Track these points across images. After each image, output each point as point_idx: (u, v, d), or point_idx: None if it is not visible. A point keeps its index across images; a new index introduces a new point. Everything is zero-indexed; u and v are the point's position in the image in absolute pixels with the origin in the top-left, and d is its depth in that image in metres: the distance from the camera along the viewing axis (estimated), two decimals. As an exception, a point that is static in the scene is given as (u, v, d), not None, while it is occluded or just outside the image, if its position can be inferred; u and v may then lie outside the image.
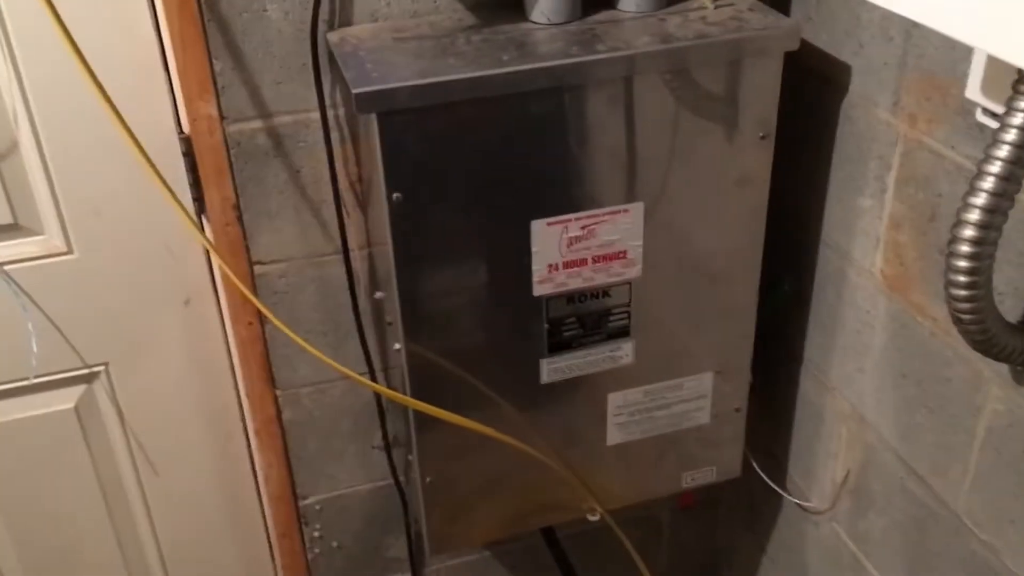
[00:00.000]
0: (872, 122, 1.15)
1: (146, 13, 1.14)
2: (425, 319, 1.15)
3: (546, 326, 1.20)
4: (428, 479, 1.26)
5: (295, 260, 1.29)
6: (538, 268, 1.16)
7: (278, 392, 1.38)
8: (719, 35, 1.08)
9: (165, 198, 1.07)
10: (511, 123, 1.07)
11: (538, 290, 1.17)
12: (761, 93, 1.13)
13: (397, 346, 1.19)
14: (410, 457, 1.33)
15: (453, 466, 1.27)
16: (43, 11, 1.02)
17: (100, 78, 1.03)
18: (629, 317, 1.23)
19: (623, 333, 1.24)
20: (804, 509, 1.47)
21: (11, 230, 1.21)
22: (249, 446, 1.48)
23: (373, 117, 1.01)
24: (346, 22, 1.16)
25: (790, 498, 1.48)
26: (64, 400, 1.35)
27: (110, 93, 1.05)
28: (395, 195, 1.05)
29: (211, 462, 1.47)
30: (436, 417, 1.18)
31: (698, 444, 1.38)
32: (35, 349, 1.24)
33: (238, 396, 1.43)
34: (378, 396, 1.42)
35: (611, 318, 1.23)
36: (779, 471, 1.51)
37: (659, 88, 1.09)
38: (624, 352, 1.26)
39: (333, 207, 1.26)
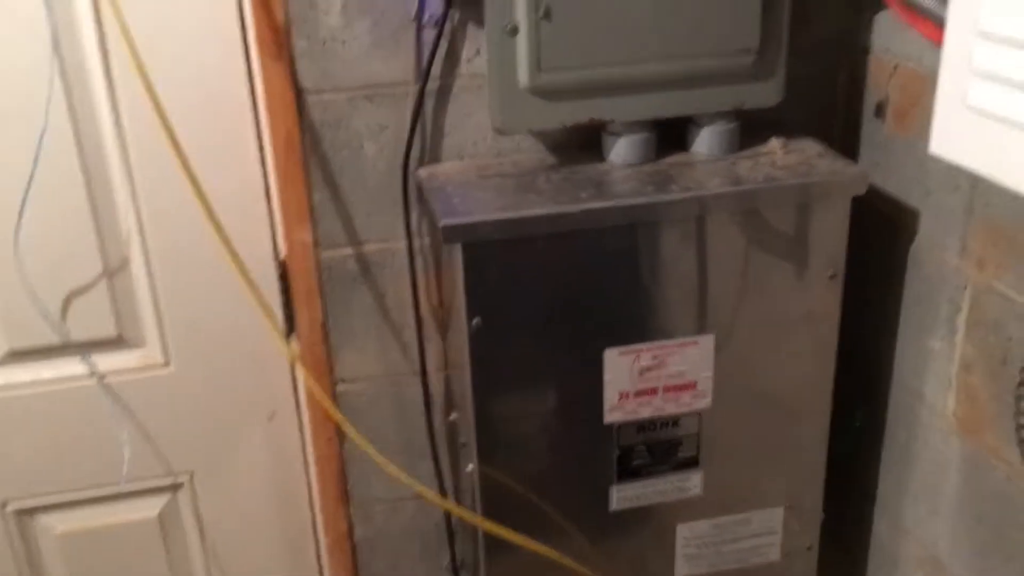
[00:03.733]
0: (941, 266, 1.17)
1: (253, 148, 1.24)
2: (499, 441, 1.18)
3: (616, 453, 1.22)
4: (496, 603, 1.27)
5: (375, 378, 1.34)
6: (610, 396, 1.19)
7: (352, 509, 1.42)
8: (787, 179, 1.14)
9: (262, 318, 1.15)
10: (587, 256, 1.12)
11: (609, 417, 1.20)
12: (829, 234, 1.17)
13: (470, 467, 1.22)
14: (478, 580, 1.34)
15: (519, 591, 1.28)
16: (163, 144, 1.13)
17: (210, 206, 1.14)
18: (698, 447, 1.25)
19: (692, 463, 1.26)
20: (879, 658, 1.42)
21: (115, 343, 1.29)
22: (320, 564, 1.50)
23: (458, 247, 1.08)
24: (435, 159, 1.24)
25: (864, 644, 1.44)
26: (149, 508, 1.40)
27: (218, 220, 1.15)
28: (475, 320, 1.11)
29: (283, 574, 1.49)
30: (505, 540, 1.20)
31: (768, 581, 1.37)
32: (127, 457, 1.30)
33: (312, 512, 1.47)
34: (448, 517, 1.44)
35: (680, 448, 1.24)
36: (854, 616, 1.47)
37: (730, 227, 1.14)
38: (693, 483, 1.27)
39: (413, 330, 1.32)
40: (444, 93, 1.21)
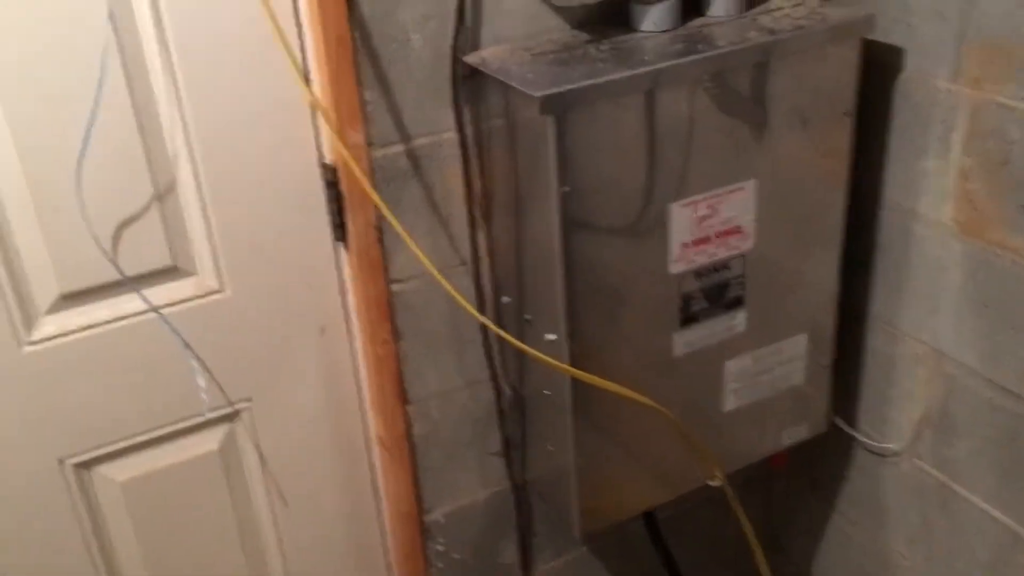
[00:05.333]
0: (931, 92, 1.34)
1: (296, 52, 1.22)
2: (583, 301, 1.25)
3: (679, 301, 1.33)
4: (581, 459, 1.36)
5: (426, 274, 1.37)
6: (673, 247, 1.29)
7: (409, 407, 1.45)
8: (814, 26, 1.26)
9: (305, 215, 1.19)
10: (652, 117, 1.20)
11: (673, 268, 1.30)
12: (844, 74, 1.31)
13: (552, 336, 1.29)
14: (550, 447, 1.42)
15: (600, 444, 1.37)
16: (212, 54, 1.11)
17: (252, 113, 1.18)
18: (743, 287, 1.37)
19: (738, 303, 1.38)
20: (882, 454, 1.63)
21: (169, 272, 1.25)
22: (372, 469, 1.53)
23: (549, 118, 1.13)
24: (475, 46, 1.27)
25: (870, 443, 1.64)
26: (209, 442, 1.37)
27: (260, 128, 1.18)
28: (564, 188, 1.17)
29: (337, 488, 1.51)
30: (588, 397, 1.28)
31: (793, 403, 1.53)
32: (203, 385, 1.27)
33: (363, 419, 1.49)
34: (498, 398, 1.50)
35: (729, 289, 1.36)
36: (850, 424, 1.66)
37: (766, 75, 1.26)
38: (738, 320, 1.40)
39: (460, 221, 1.36)
40: (481, -21, 1.24)
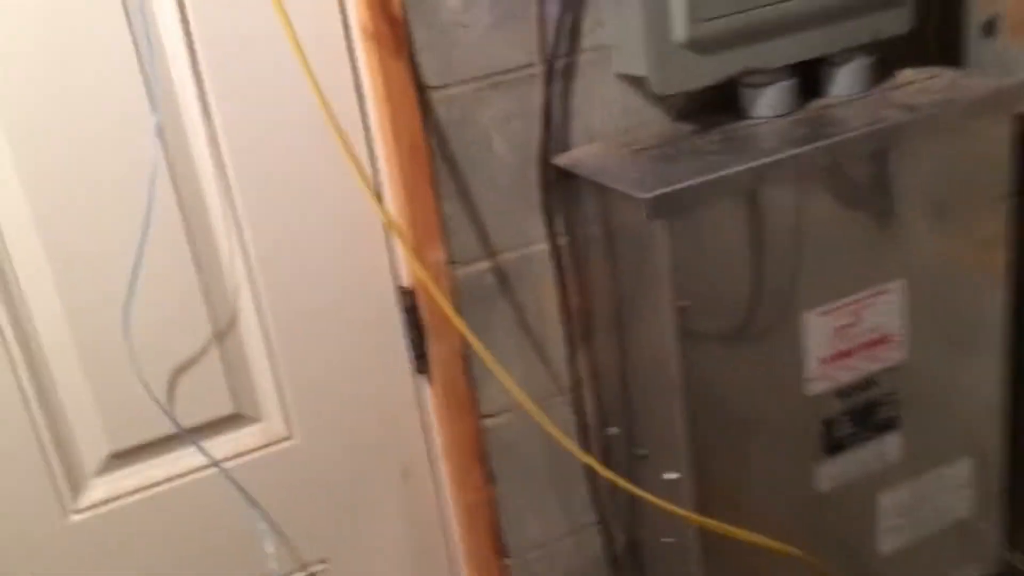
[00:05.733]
0: (1103, 165, 1.14)
1: (365, 165, 1.09)
2: (708, 431, 1.06)
3: (820, 427, 1.12)
4: (716, 621, 1.14)
5: (521, 408, 1.19)
6: (810, 363, 1.09)
7: (508, 561, 1.25)
8: (958, 99, 1.08)
9: (382, 354, 1.03)
10: (779, 213, 1.03)
11: (810, 388, 1.10)
12: (997, 152, 1.12)
13: (672, 475, 1.09)
14: (676, 605, 1.20)
15: (737, 602, 1.15)
16: (273, 171, 0.99)
17: (319, 236, 1.06)
18: (897, 406, 1.16)
19: (890, 425, 1.17)
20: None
21: (231, 421, 1.10)
22: (467, 634, 1.32)
23: (660, 223, 0.96)
24: (565, 146, 1.12)
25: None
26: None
27: (328, 252, 1.07)
28: (682, 302, 0.99)
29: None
30: (719, 544, 1.07)
31: (960, 539, 1.29)
32: (271, 551, 1.10)
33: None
34: (610, 547, 1.29)
35: (880, 410, 1.15)
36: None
37: (909, 158, 1.07)
38: (893, 446, 1.18)
39: (557, 344, 1.19)
40: (569, 71, 1.10)
